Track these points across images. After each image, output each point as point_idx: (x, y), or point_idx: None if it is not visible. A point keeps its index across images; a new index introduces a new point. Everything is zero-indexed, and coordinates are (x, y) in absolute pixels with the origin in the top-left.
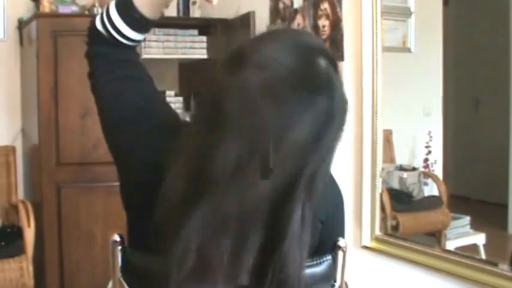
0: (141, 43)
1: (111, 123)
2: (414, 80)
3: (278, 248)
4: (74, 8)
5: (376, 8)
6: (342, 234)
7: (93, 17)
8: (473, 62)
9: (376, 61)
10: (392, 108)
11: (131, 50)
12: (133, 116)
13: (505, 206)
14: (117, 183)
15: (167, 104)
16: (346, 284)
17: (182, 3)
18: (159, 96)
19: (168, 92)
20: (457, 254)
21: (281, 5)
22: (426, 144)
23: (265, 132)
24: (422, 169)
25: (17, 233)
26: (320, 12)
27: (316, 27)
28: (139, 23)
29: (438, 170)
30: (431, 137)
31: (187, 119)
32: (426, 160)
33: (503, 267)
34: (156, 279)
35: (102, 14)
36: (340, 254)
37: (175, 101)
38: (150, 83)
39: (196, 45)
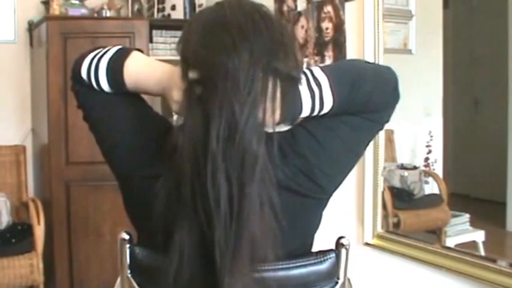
0: None
1: (108, 148)
2: (415, 81)
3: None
4: (83, 11)
5: (378, 10)
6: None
7: (79, 60)
8: (472, 63)
9: (378, 62)
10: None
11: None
12: (126, 137)
13: (503, 204)
14: None
15: (152, 109)
16: (349, 280)
17: (188, 6)
18: (145, 108)
19: None
20: (456, 250)
21: (285, 8)
22: (427, 144)
23: None
24: (423, 168)
25: (27, 231)
26: (323, 15)
27: (319, 30)
28: (118, 86)
29: (438, 169)
30: (431, 136)
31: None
32: (427, 159)
33: (502, 263)
34: (163, 277)
35: (90, 66)
36: (343, 251)
37: None
38: (133, 99)
39: None
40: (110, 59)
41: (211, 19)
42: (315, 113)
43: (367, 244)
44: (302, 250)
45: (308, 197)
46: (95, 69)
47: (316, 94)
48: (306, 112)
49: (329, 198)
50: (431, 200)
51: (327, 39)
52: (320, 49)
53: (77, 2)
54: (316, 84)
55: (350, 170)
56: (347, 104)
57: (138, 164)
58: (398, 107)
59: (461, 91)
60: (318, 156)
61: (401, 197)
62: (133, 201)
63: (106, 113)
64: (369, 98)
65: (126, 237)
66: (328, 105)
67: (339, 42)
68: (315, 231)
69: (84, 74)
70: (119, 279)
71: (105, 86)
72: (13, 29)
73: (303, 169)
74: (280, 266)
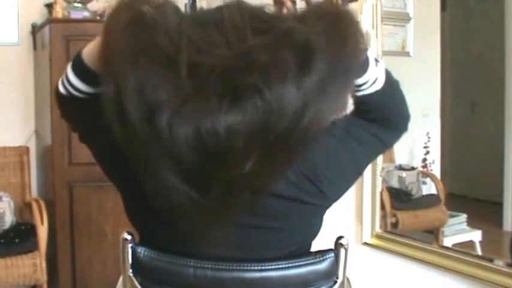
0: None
1: (96, 153)
2: (413, 83)
3: None
4: (86, 14)
5: (376, 13)
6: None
7: (56, 84)
8: (469, 66)
9: None
10: None
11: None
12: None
13: (500, 204)
14: None
15: None
16: (347, 279)
17: (190, 10)
18: None
19: None
20: (454, 250)
21: (285, 11)
22: (424, 145)
23: None
24: (420, 169)
25: (30, 231)
26: None
27: None
28: (86, 74)
29: (436, 170)
30: (429, 137)
31: None
32: (424, 160)
33: (499, 263)
34: (165, 276)
35: (62, 79)
36: (342, 251)
37: None
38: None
39: None
40: (72, 60)
41: (204, 16)
42: (368, 85)
43: (365, 244)
44: (300, 252)
45: (309, 204)
46: (66, 76)
47: (378, 64)
48: (367, 76)
49: (329, 207)
50: (429, 201)
51: None
52: None
53: (80, 5)
54: (378, 61)
55: (351, 185)
56: (381, 99)
57: (127, 164)
58: None
59: (458, 93)
60: (325, 163)
61: (400, 198)
62: (131, 201)
63: (88, 121)
64: (393, 105)
65: (128, 237)
66: (379, 83)
67: None
68: (315, 236)
69: (62, 89)
70: (121, 279)
71: (77, 83)
72: (17, 32)
73: (308, 174)
74: (280, 266)
